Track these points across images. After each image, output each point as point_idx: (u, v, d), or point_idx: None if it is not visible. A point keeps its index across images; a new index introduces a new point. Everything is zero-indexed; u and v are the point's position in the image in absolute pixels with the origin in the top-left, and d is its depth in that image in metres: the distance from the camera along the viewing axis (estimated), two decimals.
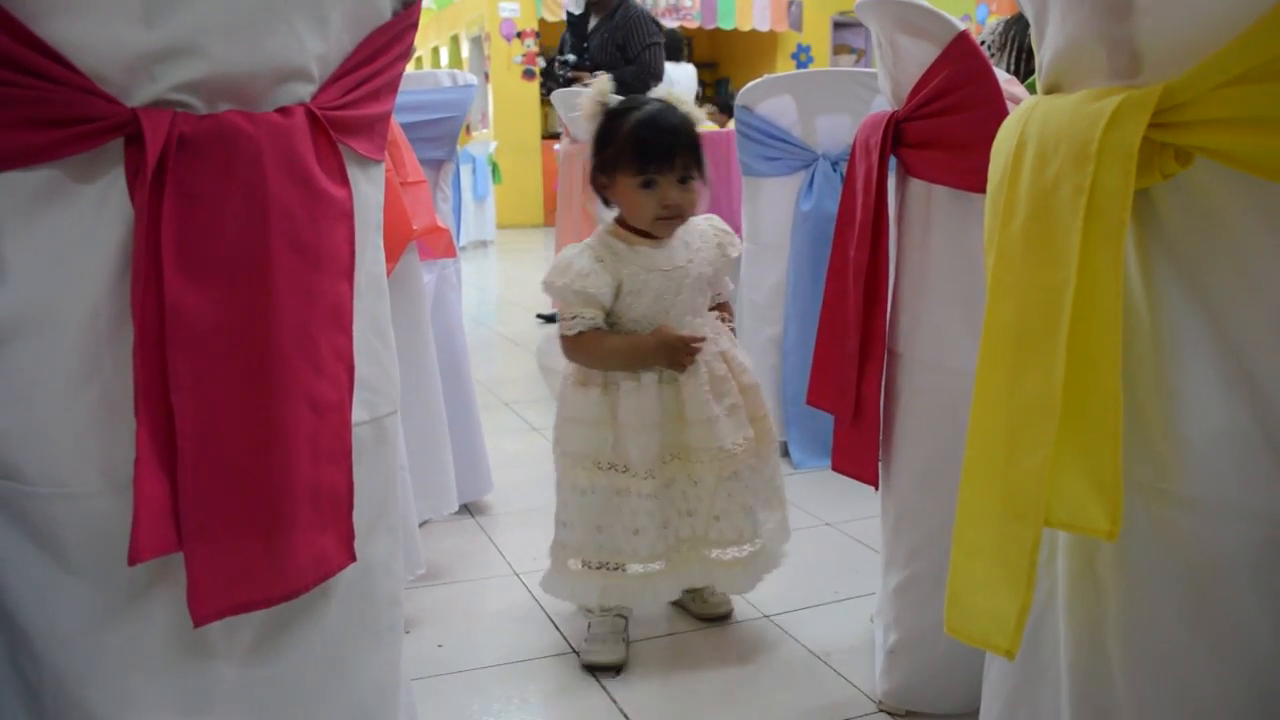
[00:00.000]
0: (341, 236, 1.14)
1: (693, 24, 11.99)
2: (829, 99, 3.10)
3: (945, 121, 1.49)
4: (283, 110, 1.11)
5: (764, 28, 12.27)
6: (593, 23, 5.50)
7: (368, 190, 1.26)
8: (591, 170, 1.97)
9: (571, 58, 5.56)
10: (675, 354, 1.90)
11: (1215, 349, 0.94)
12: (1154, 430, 0.97)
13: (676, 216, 1.91)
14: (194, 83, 1.06)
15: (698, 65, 12.53)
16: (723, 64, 13.66)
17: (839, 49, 13.30)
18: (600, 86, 1.94)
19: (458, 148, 2.61)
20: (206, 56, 1.05)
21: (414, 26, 1.28)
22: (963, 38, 1.44)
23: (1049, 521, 0.97)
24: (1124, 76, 0.96)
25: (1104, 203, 0.92)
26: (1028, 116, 1.05)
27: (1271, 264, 0.90)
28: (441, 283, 2.47)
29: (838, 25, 13.05)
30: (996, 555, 1.02)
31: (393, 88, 1.31)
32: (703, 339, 1.92)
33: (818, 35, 12.62)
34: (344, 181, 1.15)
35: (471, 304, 6.68)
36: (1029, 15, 1.13)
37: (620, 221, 1.96)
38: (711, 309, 2.07)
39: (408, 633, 2.07)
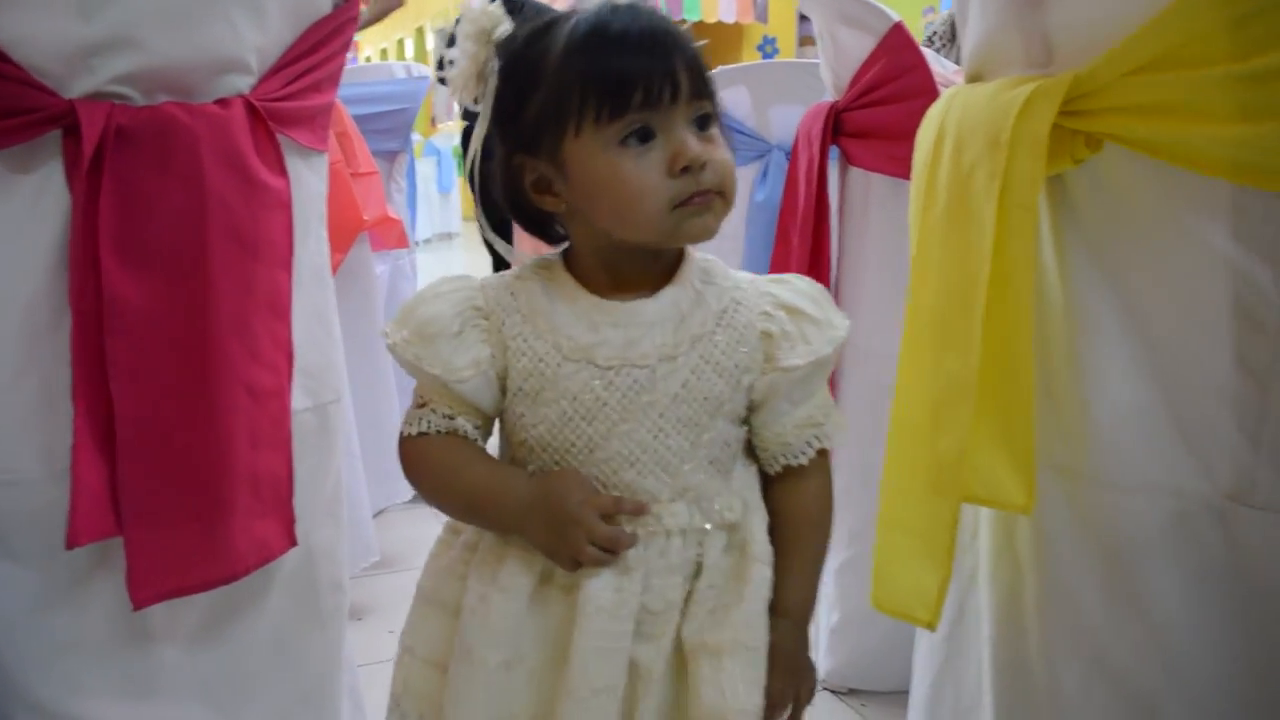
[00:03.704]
0: (279, 226, 1.16)
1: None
2: (782, 90, 3.11)
3: (882, 111, 1.52)
4: (221, 102, 1.13)
5: (730, 19, 12.30)
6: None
7: (309, 180, 1.28)
8: (501, 160, 0.93)
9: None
10: (569, 533, 0.87)
11: (1125, 329, 0.97)
12: (1067, 409, 1.01)
13: (713, 189, 0.87)
14: (131, 75, 1.07)
15: None
16: None
17: (805, 40, 13.35)
18: (478, 8, 0.93)
19: (415, 139, 2.62)
20: (143, 49, 1.07)
21: (354, 20, 1.30)
22: (898, 29, 1.47)
23: (967, 497, 1.00)
24: (1038, 66, 0.99)
25: (1017, 189, 0.95)
26: (948, 106, 1.08)
27: (1177, 246, 0.93)
28: (395, 274, 2.49)
29: (803, 17, 13.11)
30: (918, 531, 1.05)
31: (334, 79, 1.32)
32: (640, 510, 0.89)
33: (783, 27, 12.67)
34: (282, 172, 1.17)
35: None
36: (955, 7, 1.16)
37: (567, 256, 0.95)
38: (773, 478, 0.98)
39: (360, 619, 2.09)
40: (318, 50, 1.24)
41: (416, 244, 4.95)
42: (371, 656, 1.98)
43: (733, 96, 3.22)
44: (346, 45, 1.32)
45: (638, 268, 0.91)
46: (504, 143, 0.92)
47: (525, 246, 0.99)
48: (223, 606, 1.21)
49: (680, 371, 0.89)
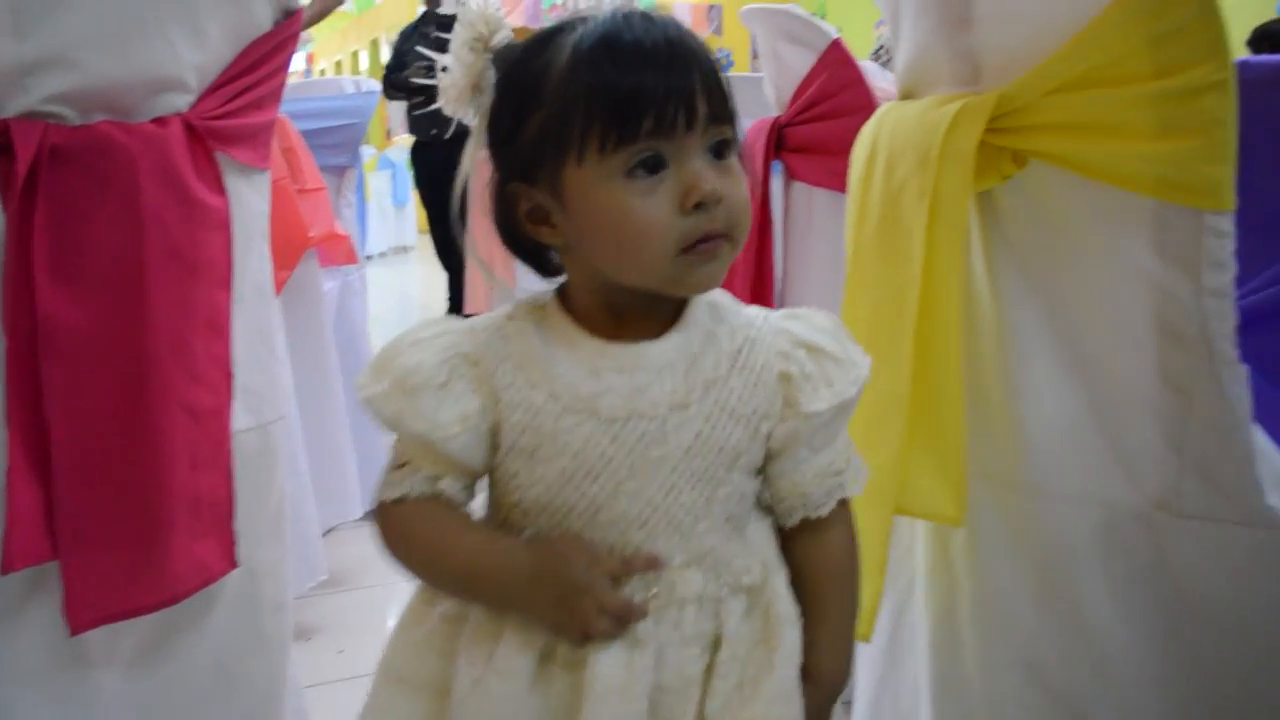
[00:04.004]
0: (218, 245, 1.15)
1: None
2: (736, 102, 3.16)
3: (823, 127, 1.54)
4: (159, 120, 1.12)
5: None
6: (435, 33, 5.08)
7: (250, 198, 1.27)
8: (494, 185, 0.83)
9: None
10: (577, 603, 0.78)
11: (1054, 343, 0.99)
12: (999, 421, 1.03)
13: (723, 235, 0.76)
14: (66, 94, 1.06)
15: None
16: None
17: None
18: (477, 11, 0.83)
19: (370, 153, 2.62)
20: (79, 68, 1.06)
21: (295, 37, 1.30)
22: (836, 45, 1.49)
23: (900, 509, 1.02)
24: (966, 84, 1.01)
25: (945, 205, 0.97)
26: (880, 123, 1.10)
27: (1102, 260, 0.95)
28: (345, 289, 2.47)
29: None
30: None
31: (276, 96, 1.32)
32: (653, 565, 0.80)
33: (738, 40, 12.74)
34: (220, 190, 1.16)
35: (391, 310, 6.66)
36: (889, 25, 1.18)
37: (564, 294, 0.85)
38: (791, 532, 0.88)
39: (307, 639, 2.07)
40: (258, 68, 1.24)
41: (370, 258, 4.90)
42: (319, 678, 1.97)
43: None
44: (288, 62, 1.31)
45: (642, 307, 0.80)
46: (498, 166, 0.81)
47: (494, 256, 0.89)
48: (162, 629, 1.20)
49: (693, 421, 0.79)
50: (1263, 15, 6.28)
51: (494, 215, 0.83)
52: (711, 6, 12.50)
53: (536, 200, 0.78)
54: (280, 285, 1.83)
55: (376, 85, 2.64)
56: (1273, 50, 5.59)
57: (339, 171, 2.51)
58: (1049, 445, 1.00)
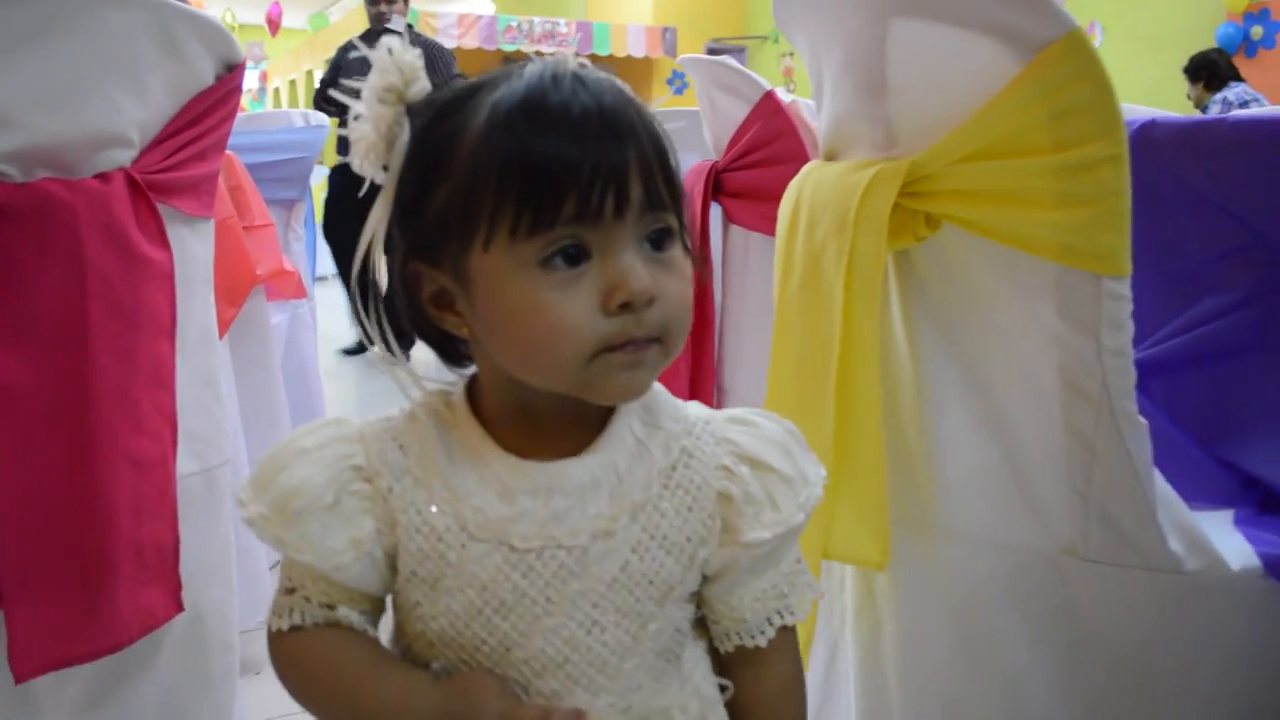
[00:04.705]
0: (162, 297, 1.18)
1: (569, 50, 12.14)
2: (680, 139, 3.20)
3: (758, 174, 1.59)
4: (102, 176, 1.14)
5: (639, 54, 12.45)
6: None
7: (194, 246, 1.30)
8: (398, 260, 0.70)
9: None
10: None
11: (968, 396, 1.04)
12: (919, 469, 1.07)
13: (652, 337, 0.65)
14: (10, 153, 1.08)
15: None
16: None
17: None
18: (392, 58, 0.69)
19: (321, 171, 2.63)
20: (23, 128, 1.08)
21: (238, 89, 1.32)
22: (768, 97, 1.54)
23: (827, 555, 1.06)
24: (882, 149, 1.06)
25: (861, 266, 1.02)
26: (804, 181, 1.14)
27: (1012, 317, 1.00)
28: (295, 322, 2.49)
29: (712, 51, 13.33)
30: None
31: (220, 146, 1.34)
32: (578, 717, 0.68)
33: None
34: (164, 244, 1.19)
35: (344, 329, 6.65)
36: (812, 88, 1.23)
37: (474, 391, 0.74)
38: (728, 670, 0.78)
39: (257, 673, 2.08)
40: (201, 121, 1.27)
41: (324, 278, 4.88)
42: (269, 711, 1.97)
43: None
44: (232, 114, 1.34)
45: (561, 412, 0.69)
46: (402, 238, 0.69)
47: None
48: (109, 674, 1.21)
49: (619, 550, 0.69)
50: (1202, 44, 6.45)
51: (398, 295, 0.71)
52: (666, 29, 12.59)
53: (441, 283, 0.68)
54: (228, 323, 1.85)
55: (325, 119, 2.66)
56: (1210, 78, 5.76)
57: (288, 205, 2.53)
58: (965, 493, 1.05)
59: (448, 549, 0.68)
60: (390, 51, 0.68)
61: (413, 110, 0.69)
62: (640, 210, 0.64)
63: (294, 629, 0.71)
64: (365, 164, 0.69)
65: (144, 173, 1.18)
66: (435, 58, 4.71)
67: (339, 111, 4.55)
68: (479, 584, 0.68)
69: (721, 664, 0.77)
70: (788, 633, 0.77)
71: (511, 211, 0.63)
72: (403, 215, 0.69)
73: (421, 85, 0.69)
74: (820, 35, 1.13)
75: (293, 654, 0.71)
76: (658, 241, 0.65)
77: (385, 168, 0.69)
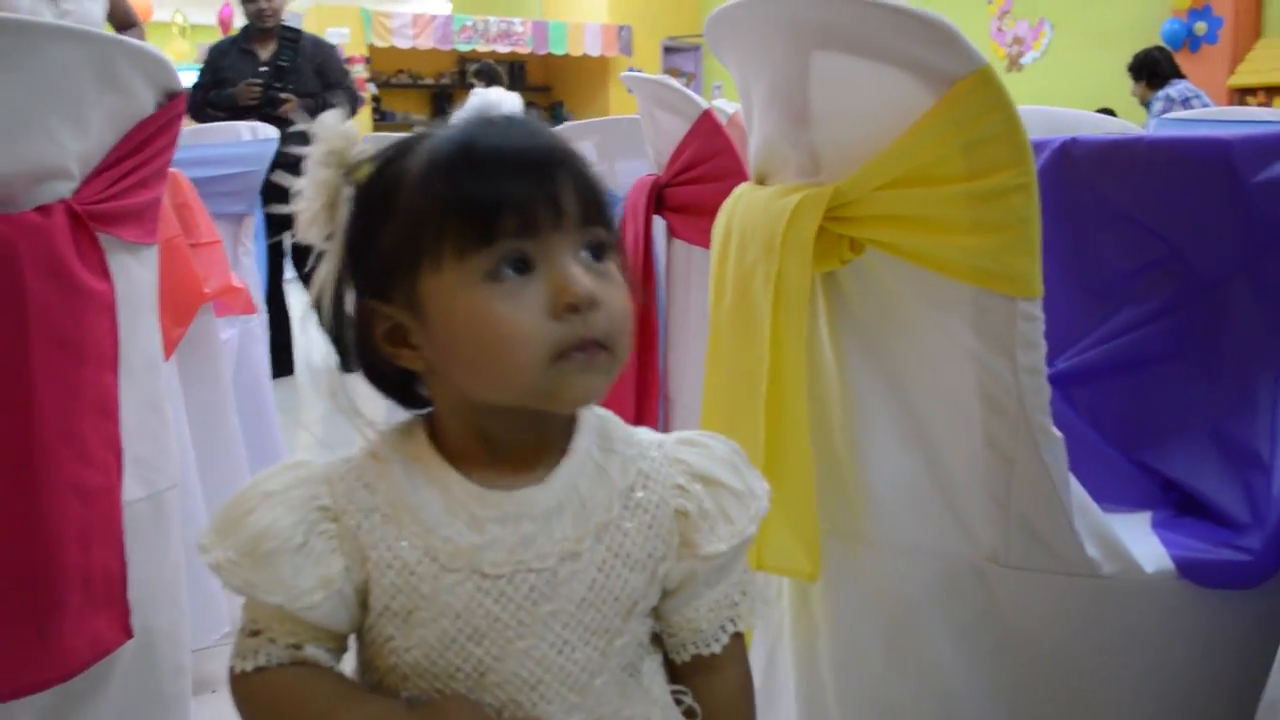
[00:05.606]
0: (104, 328, 1.19)
1: (525, 49, 12.10)
2: (630, 145, 3.23)
3: (697, 190, 1.63)
4: (42, 209, 1.15)
5: (595, 53, 12.46)
6: (265, 53, 4.60)
7: (137, 273, 1.31)
8: (354, 308, 0.75)
9: (259, 83, 4.41)
10: None
11: (893, 411, 1.08)
12: (848, 482, 1.11)
13: (600, 341, 0.69)
14: None
15: (532, 91, 12.61)
16: (556, 89, 13.82)
17: (669, 72, 13.62)
18: (332, 125, 0.75)
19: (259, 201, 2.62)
20: None
21: (179, 117, 1.33)
22: (706, 116, 1.58)
23: (761, 566, 1.10)
24: (808, 175, 1.09)
25: (788, 289, 1.05)
26: (735, 205, 1.18)
27: (933, 336, 1.04)
28: (245, 337, 2.48)
29: (668, 50, 13.37)
30: None
31: (162, 174, 1.35)
32: None
33: (649, 60, 12.90)
34: (105, 275, 1.20)
35: (299, 336, 6.63)
36: (743, 113, 1.26)
37: (433, 426, 0.76)
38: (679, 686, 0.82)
39: (214, 691, 2.08)
40: (142, 150, 1.27)
41: (288, 280, 4.85)
42: None
43: (581, 151, 3.33)
44: (173, 142, 1.35)
45: (518, 437, 0.73)
46: (355, 284, 0.73)
47: None
48: (61, 700, 1.22)
49: (586, 570, 0.72)
50: (1148, 39, 6.57)
51: (352, 342, 0.74)
52: (622, 27, 12.61)
53: (395, 319, 0.71)
54: (175, 343, 1.85)
55: (274, 133, 2.65)
56: (1152, 76, 5.86)
57: (236, 219, 2.52)
58: (892, 503, 1.09)
59: (420, 581, 0.70)
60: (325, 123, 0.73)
61: (353, 170, 0.73)
62: (576, 222, 0.69)
63: (259, 670, 0.72)
64: (310, 230, 0.73)
65: (85, 204, 1.19)
66: (328, 53, 4.75)
67: (230, 116, 4.33)
68: (453, 613, 0.70)
69: (676, 674, 0.81)
70: (739, 639, 0.82)
71: (456, 231, 0.67)
72: (354, 260, 0.73)
73: (360, 148, 0.74)
74: (748, 62, 1.16)
75: (259, 693, 0.72)
76: (596, 253, 0.70)
77: (329, 236, 0.73)
